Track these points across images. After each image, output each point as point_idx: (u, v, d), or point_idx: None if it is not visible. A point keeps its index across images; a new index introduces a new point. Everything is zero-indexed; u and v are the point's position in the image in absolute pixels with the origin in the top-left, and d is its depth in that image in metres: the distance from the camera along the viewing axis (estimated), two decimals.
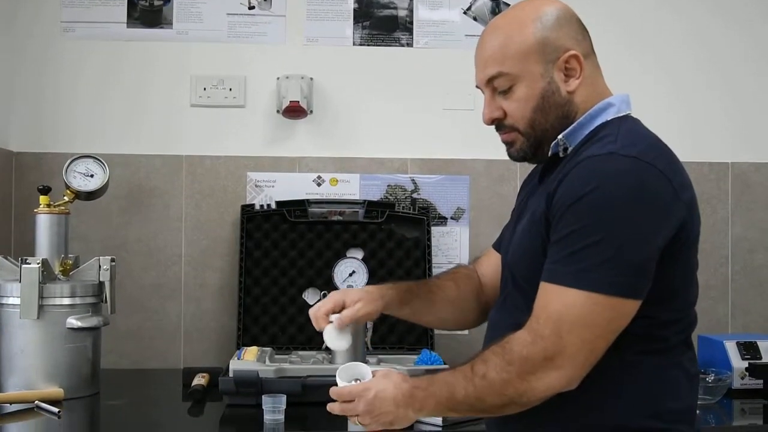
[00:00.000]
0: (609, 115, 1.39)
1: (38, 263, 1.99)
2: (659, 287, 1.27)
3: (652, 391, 1.31)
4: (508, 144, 1.46)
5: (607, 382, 1.30)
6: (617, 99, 1.41)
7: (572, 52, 1.37)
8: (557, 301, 1.25)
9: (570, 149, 1.39)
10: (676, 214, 1.27)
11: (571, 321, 1.24)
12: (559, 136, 1.39)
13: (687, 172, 1.36)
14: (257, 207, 2.45)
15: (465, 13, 2.59)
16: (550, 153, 1.41)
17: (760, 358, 2.18)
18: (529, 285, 1.35)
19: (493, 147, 2.60)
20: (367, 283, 2.19)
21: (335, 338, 1.57)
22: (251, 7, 2.55)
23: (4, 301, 2.03)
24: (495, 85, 1.42)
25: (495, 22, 1.44)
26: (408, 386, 1.36)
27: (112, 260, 2.12)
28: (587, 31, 1.44)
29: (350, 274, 2.19)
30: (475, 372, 1.30)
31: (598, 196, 1.24)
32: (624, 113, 1.41)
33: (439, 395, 1.33)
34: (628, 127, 1.37)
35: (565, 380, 1.25)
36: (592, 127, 1.38)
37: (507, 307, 1.45)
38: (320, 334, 2.29)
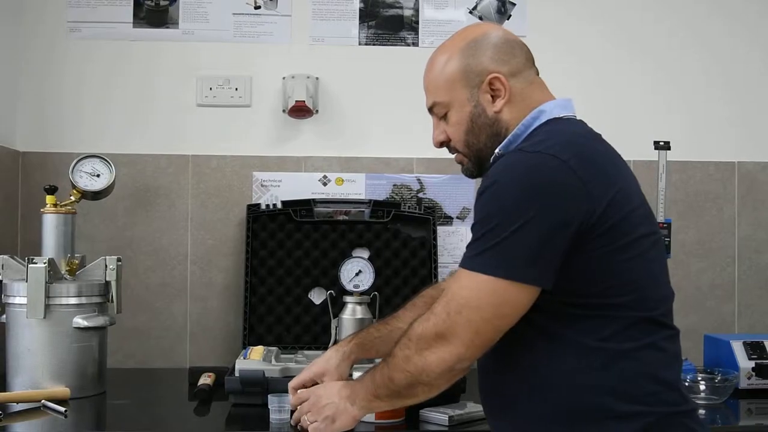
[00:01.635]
0: (541, 121, 1.45)
1: (45, 263, 2.00)
2: (575, 273, 1.32)
3: (624, 374, 1.33)
4: (460, 164, 1.57)
5: (579, 367, 1.33)
6: (551, 104, 1.48)
7: (493, 74, 1.46)
8: (455, 283, 1.35)
9: None
10: (578, 204, 1.30)
11: (460, 302, 1.32)
12: (497, 150, 1.47)
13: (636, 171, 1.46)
14: (263, 206, 2.45)
15: (471, 12, 2.59)
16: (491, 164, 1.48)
17: (767, 358, 2.18)
18: None
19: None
20: (373, 282, 2.18)
21: None
22: (257, 7, 2.55)
23: (11, 300, 2.03)
24: (435, 112, 1.55)
25: (432, 54, 1.56)
26: (352, 380, 1.53)
27: (119, 260, 2.12)
28: (521, 49, 1.51)
29: (356, 274, 2.19)
30: (391, 354, 1.42)
31: (495, 188, 1.33)
32: (557, 116, 1.46)
33: (368, 382, 1.45)
34: (551, 127, 1.44)
35: (455, 356, 1.33)
36: (525, 135, 1.45)
37: None
38: (326, 332, 2.30)
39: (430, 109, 1.56)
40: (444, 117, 1.53)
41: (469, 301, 1.32)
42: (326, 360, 1.70)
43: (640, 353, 1.35)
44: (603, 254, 1.33)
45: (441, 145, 1.57)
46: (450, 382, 1.38)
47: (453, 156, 1.57)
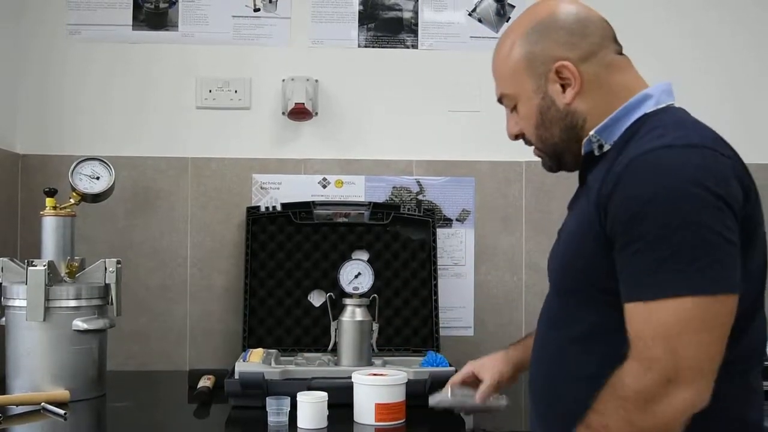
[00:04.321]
0: (648, 108, 1.31)
1: (44, 265, 2.00)
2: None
3: (720, 412, 1.19)
4: (539, 158, 1.45)
5: None
6: (655, 89, 1.34)
7: (560, 62, 1.32)
8: (659, 317, 1.13)
9: (606, 146, 1.32)
10: (742, 204, 1.19)
11: (683, 331, 1.12)
12: (591, 133, 1.32)
13: None
14: (263, 209, 2.45)
15: (470, 14, 2.59)
16: (583, 151, 1.36)
17: (767, 360, 2.17)
18: (569, 293, 1.31)
19: (498, 148, 2.61)
20: (373, 284, 2.18)
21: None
22: (256, 9, 2.55)
23: (11, 303, 2.04)
24: (504, 104, 1.43)
25: (500, 38, 1.43)
26: None
27: (118, 262, 2.12)
28: (597, 26, 1.36)
29: (356, 276, 2.18)
30: (594, 429, 1.18)
31: (669, 196, 1.14)
32: (664, 104, 1.33)
33: None
34: (674, 116, 1.30)
35: (697, 397, 1.13)
36: (630, 121, 1.31)
37: (545, 320, 1.40)
38: (325, 335, 2.30)
39: (499, 100, 1.44)
40: (515, 108, 1.40)
41: (694, 326, 1.12)
42: (489, 357, 1.67)
43: (732, 392, 1.22)
44: (751, 260, 1.21)
45: (516, 137, 1.44)
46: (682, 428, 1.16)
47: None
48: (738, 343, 1.22)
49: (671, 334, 1.12)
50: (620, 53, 1.39)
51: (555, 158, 1.41)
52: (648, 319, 1.15)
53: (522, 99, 1.38)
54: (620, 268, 1.19)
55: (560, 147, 1.38)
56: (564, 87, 1.33)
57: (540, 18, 1.36)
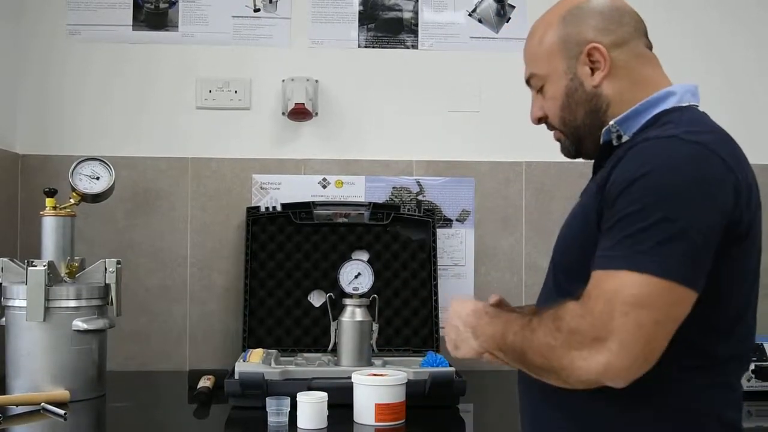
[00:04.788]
0: (669, 104, 1.33)
1: (44, 265, 2.00)
2: (709, 287, 1.18)
3: (699, 411, 1.23)
4: (559, 142, 1.46)
5: (646, 397, 1.22)
6: (680, 88, 1.36)
7: (592, 44, 1.34)
8: (611, 282, 1.15)
9: (625, 137, 1.33)
10: (731, 208, 1.19)
11: (626, 301, 1.12)
12: (611, 122, 1.34)
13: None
14: (262, 209, 2.45)
15: (470, 15, 2.59)
16: (602, 140, 1.37)
17: (766, 360, 2.18)
18: (566, 277, 1.32)
19: (498, 149, 2.61)
20: (373, 285, 2.18)
21: None
22: (256, 10, 2.55)
23: (11, 303, 2.04)
24: (532, 85, 1.45)
25: (534, 23, 1.46)
26: (482, 310, 1.37)
27: (118, 263, 2.12)
28: (631, 17, 1.39)
29: (356, 276, 2.19)
30: (530, 324, 1.24)
31: (655, 179, 1.16)
32: (687, 103, 1.35)
33: (495, 329, 1.31)
34: (692, 115, 1.31)
35: (612, 369, 1.13)
36: (650, 116, 1.32)
37: (542, 299, 1.41)
38: (325, 335, 2.30)
39: (528, 81, 1.46)
40: (541, 90, 1.43)
41: (638, 301, 1.12)
42: None
43: (714, 391, 1.24)
44: (737, 265, 1.23)
45: (539, 121, 1.46)
46: (582, 386, 1.19)
47: (553, 133, 1.45)
48: (725, 344, 1.24)
49: (616, 299, 1.13)
50: (650, 48, 1.42)
51: (575, 143, 1.42)
52: (601, 282, 1.17)
53: (551, 79, 1.40)
54: (598, 241, 1.22)
55: (582, 131, 1.40)
56: (593, 70, 1.36)
57: (577, 3, 1.39)
